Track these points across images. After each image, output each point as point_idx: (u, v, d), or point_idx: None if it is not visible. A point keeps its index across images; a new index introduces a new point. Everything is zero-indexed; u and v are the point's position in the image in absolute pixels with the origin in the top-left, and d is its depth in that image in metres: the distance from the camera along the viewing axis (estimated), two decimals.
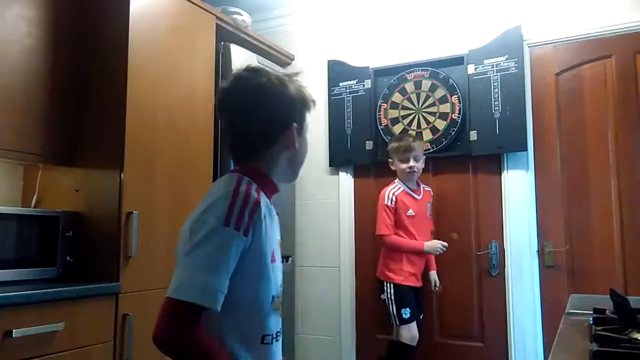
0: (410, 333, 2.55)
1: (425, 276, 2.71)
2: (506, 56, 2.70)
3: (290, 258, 3.14)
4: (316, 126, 3.18)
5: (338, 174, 3.15)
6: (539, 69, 2.74)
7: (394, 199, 2.63)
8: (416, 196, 2.69)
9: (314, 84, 3.23)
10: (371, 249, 2.96)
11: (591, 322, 1.21)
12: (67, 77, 2.20)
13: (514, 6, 2.78)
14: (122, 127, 2.07)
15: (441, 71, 2.88)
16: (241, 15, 2.88)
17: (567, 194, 2.65)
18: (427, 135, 2.87)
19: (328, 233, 3.14)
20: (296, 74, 1.23)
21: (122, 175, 2.06)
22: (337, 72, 3.14)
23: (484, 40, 2.78)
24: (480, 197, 2.80)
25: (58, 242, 2.03)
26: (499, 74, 2.71)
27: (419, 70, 2.94)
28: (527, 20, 2.73)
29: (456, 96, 2.82)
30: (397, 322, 2.56)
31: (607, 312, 1.27)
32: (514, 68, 2.68)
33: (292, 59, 3.34)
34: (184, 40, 2.42)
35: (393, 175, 2.74)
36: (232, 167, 1.22)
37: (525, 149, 2.65)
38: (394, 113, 2.98)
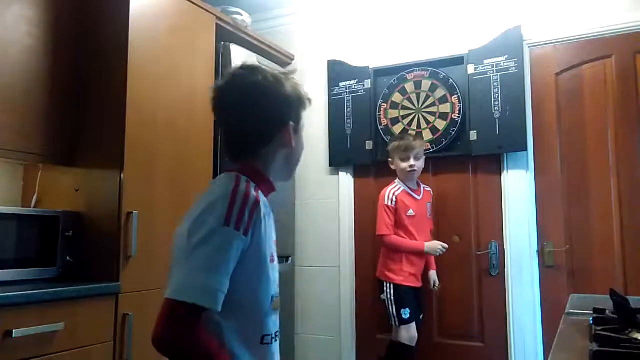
0: (409, 334, 2.55)
1: (425, 276, 2.71)
2: (506, 56, 2.70)
3: (290, 258, 3.14)
4: (316, 126, 3.18)
5: (338, 174, 3.15)
6: (539, 69, 2.74)
7: (394, 199, 2.63)
8: (416, 196, 2.69)
9: (314, 84, 3.23)
10: (371, 249, 2.96)
11: (591, 322, 1.21)
12: (67, 77, 2.20)
13: (514, 6, 2.78)
14: (122, 127, 2.07)
15: (441, 71, 2.88)
16: (241, 15, 2.88)
17: (567, 194, 2.65)
18: (427, 135, 2.87)
19: (328, 233, 3.14)
20: (292, 71, 1.21)
21: (122, 175, 2.06)
22: (337, 72, 3.14)
23: (484, 40, 2.78)
24: (480, 197, 2.80)
25: (58, 242, 2.03)
26: (499, 74, 2.71)
27: (419, 70, 2.94)
28: (527, 20, 2.73)
29: (456, 96, 2.82)
30: (397, 323, 2.56)
31: (607, 312, 1.27)
32: (514, 68, 2.68)
33: (292, 59, 3.34)
34: (184, 40, 2.42)
35: (393, 175, 2.74)
36: (227, 166, 1.21)
37: (525, 149, 2.65)
38: (394, 113, 2.98)
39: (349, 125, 3.08)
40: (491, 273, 2.73)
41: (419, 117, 2.92)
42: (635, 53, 2.55)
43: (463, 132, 2.79)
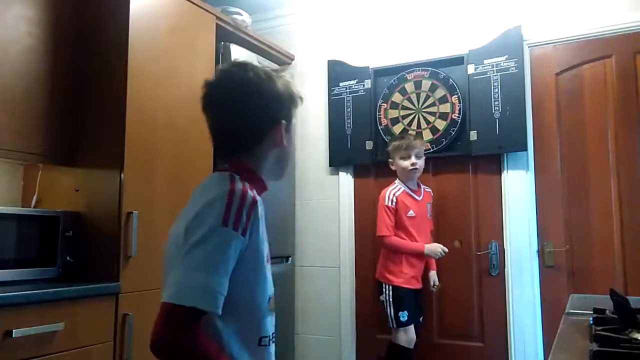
0: (407, 336, 2.54)
1: (425, 276, 2.71)
2: (506, 56, 2.70)
3: (290, 258, 3.14)
4: (316, 126, 3.18)
5: (338, 174, 3.15)
6: (539, 69, 2.74)
7: (394, 200, 2.63)
8: (417, 197, 2.69)
9: (314, 84, 3.24)
10: (371, 249, 2.96)
11: (591, 322, 1.21)
12: (67, 77, 2.20)
13: (514, 6, 2.78)
14: (122, 127, 2.08)
15: (441, 71, 2.88)
16: (241, 15, 2.88)
17: (567, 194, 2.65)
18: (427, 135, 2.87)
19: (328, 233, 3.14)
20: (283, 69, 1.20)
21: (122, 175, 2.06)
22: (337, 72, 3.14)
23: (484, 40, 2.78)
24: (480, 197, 2.80)
25: (58, 242, 2.03)
26: (499, 74, 2.71)
27: (419, 70, 2.94)
28: (527, 20, 2.73)
29: (456, 96, 2.82)
30: (395, 325, 2.55)
31: (607, 312, 1.27)
32: (514, 68, 2.68)
33: (292, 59, 3.34)
34: (184, 40, 2.42)
35: (393, 175, 2.74)
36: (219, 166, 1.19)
37: (525, 149, 2.65)
38: (394, 113, 2.98)
39: (349, 125, 3.08)
40: (491, 273, 2.72)
41: (419, 117, 2.92)
42: (635, 53, 2.55)
43: (463, 132, 2.79)
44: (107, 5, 2.20)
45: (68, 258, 2.05)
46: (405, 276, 2.58)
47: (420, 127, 2.90)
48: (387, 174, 2.81)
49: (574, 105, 2.67)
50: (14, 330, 1.59)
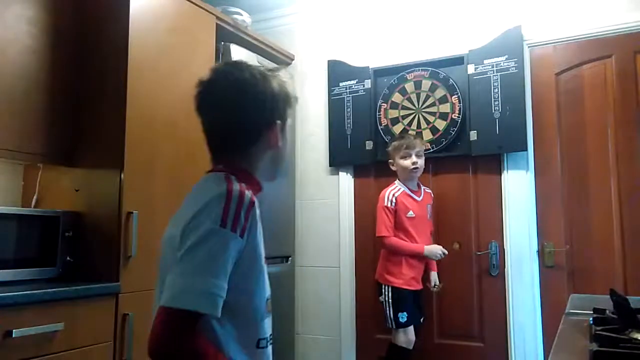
0: (406, 337, 2.54)
1: (425, 277, 2.71)
2: (506, 56, 2.70)
3: (290, 258, 3.14)
4: (316, 126, 3.18)
5: (338, 174, 3.15)
6: (539, 69, 2.74)
7: (394, 200, 2.62)
8: (416, 197, 2.68)
9: (314, 84, 3.24)
10: (371, 249, 2.96)
11: (591, 322, 1.21)
12: (67, 77, 2.20)
13: (514, 6, 2.78)
14: (122, 127, 2.08)
15: (441, 71, 2.88)
16: (241, 15, 2.88)
17: (567, 194, 2.65)
18: (427, 135, 2.87)
19: (328, 233, 3.13)
20: (278, 68, 1.17)
21: (122, 175, 2.06)
22: (337, 72, 3.14)
23: (484, 40, 2.78)
24: (480, 197, 2.80)
25: (58, 242, 2.03)
26: (499, 74, 2.71)
27: (419, 70, 2.94)
28: (527, 20, 2.73)
29: (456, 96, 2.82)
30: (394, 326, 2.55)
31: (607, 312, 1.27)
32: (514, 68, 2.68)
33: (292, 59, 3.34)
34: (184, 40, 2.42)
35: (393, 175, 2.74)
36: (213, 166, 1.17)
37: (525, 149, 2.65)
38: (394, 113, 2.98)
39: (349, 125, 3.08)
40: (491, 273, 2.72)
41: (419, 117, 2.92)
42: (635, 53, 2.55)
43: (463, 132, 2.79)
44: (107, 5, 2.20)
45: (68, 258, 2.05)
46: (404, 277, 2.57)
47: (420, 127, 2.90)
48: (387, 174, 2.81)
49: (574, 105, 2.66)
50: (13, 330, 1.59)
